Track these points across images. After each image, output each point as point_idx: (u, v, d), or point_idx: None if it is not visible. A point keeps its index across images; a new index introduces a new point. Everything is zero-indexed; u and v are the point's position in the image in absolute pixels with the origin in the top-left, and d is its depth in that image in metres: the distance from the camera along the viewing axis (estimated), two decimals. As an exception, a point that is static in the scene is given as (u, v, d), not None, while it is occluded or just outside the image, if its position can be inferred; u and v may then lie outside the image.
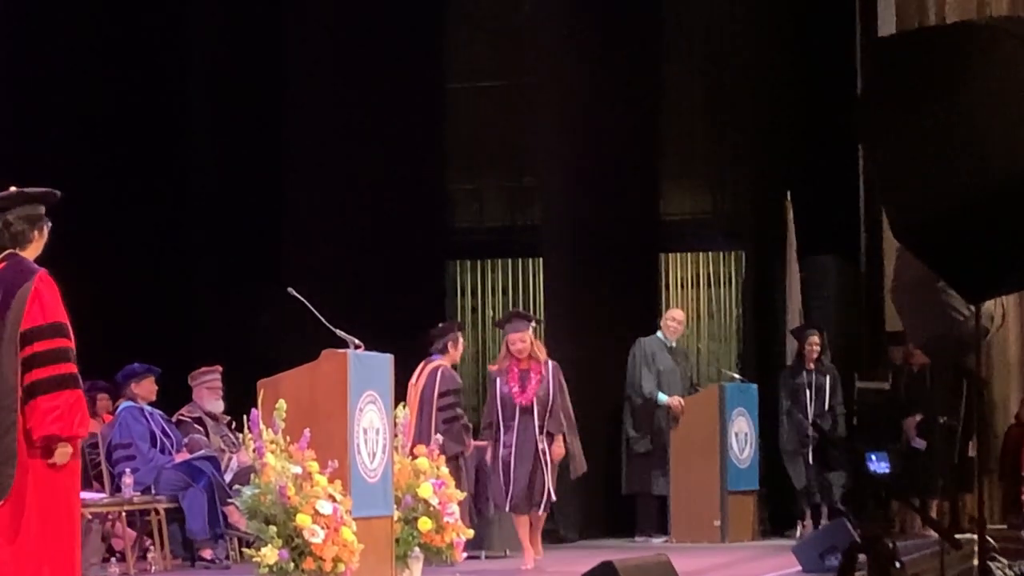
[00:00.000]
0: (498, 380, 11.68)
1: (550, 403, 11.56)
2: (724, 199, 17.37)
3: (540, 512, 11.73)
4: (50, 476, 6.56)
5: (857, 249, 16.24)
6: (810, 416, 14.25)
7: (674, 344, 14.47)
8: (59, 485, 6.60)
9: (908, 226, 5.42)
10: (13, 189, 6.87)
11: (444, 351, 12.11)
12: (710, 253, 17.73)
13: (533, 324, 11.96)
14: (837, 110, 14.33)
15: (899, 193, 5.41)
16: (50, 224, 6.91)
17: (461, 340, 12.39)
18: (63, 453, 6.55)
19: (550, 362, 11.73)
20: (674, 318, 14.62)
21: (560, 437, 11.64)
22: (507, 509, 11.71)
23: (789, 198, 15.43)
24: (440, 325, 12.48)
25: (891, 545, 5.65)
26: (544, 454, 11.50)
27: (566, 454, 11.81)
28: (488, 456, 11.77)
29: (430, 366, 11.95)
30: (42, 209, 6.89)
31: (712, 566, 11.27)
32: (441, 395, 11.79)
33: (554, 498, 11.73)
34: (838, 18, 16.16)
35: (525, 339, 11.59)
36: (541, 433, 11.52)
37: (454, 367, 12.27)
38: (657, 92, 16.38)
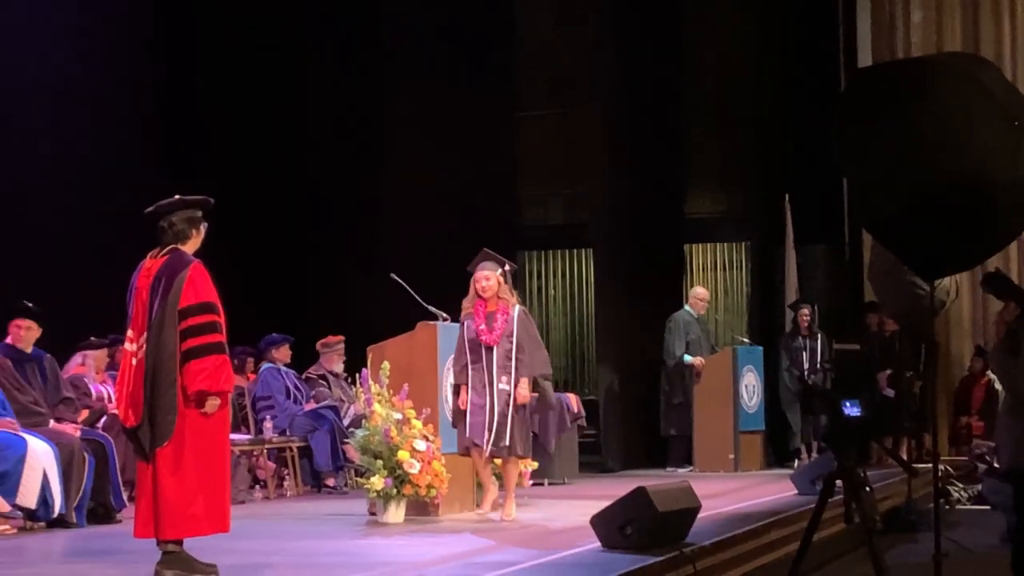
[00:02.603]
0: (466, 323, 9.25)
1: (514, 345, 9.15)
2: (735, 200, 17.28)
3: (502, 457, 9.21)
4: (203, 423, 6.56)
5: (842, 239, 16.12)
6: (805, 372, 14.22)
7: (700, 316, 14.43)
8: (211, 430, 6.59)
9: (874, 219, 5.38)
10: (176, 197, 6.89)
11: None
12: (724, 244, 17.64)
13: (505, 268, 9.37)
14: (825, 128, 14.21)
15: (868, 194, 5.38)
16: (206, 224, 6.93)
17: None
18: (212, 404, 6.56)
19: (518, 306, 9.31)
20: (700, 296, 14.57)
21: (526, 380, 9.14)
22: (461, 449, 9.25)
23: (787, 199, 15.32)
24: None
25: (862, 474, 5.62)
26: (509, 397, 9.09)
27: (541, 397, 9.64)
28: (460, 400, 9.22)
29: None
30: (200, 212, 6.89)
31: (727, 490, 11.21)
32: None
33: (509, 443, 9.09)
34: (826, 57, 16.04)
35: (491, 278, 9.23)
36: (502, 374, 9.11)
37: None
38: (680, 117, 16.37)
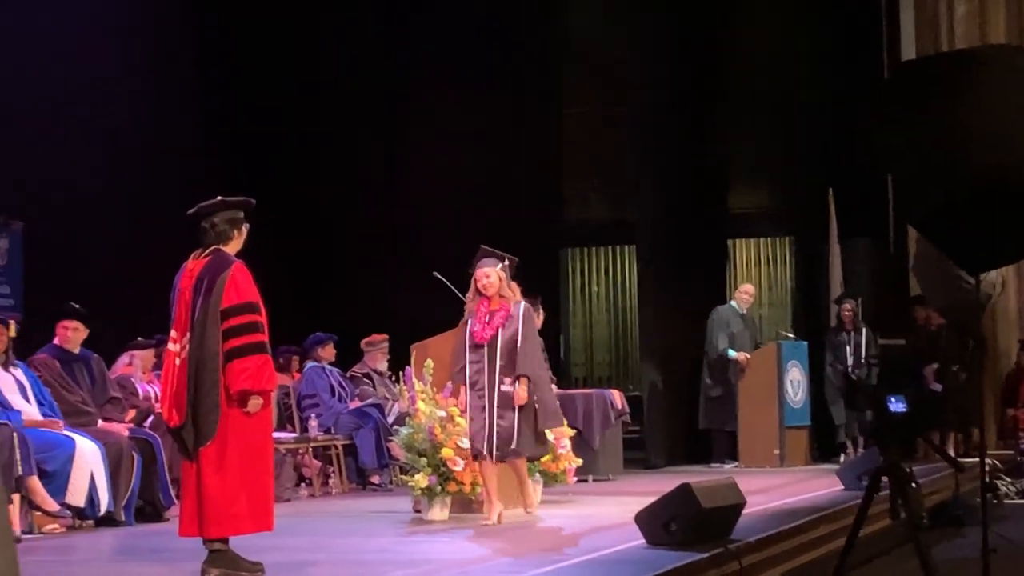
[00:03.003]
0: (468, 322, 8.86)
1: (517, 344, 8.72)
2: (779, 195, 17.18)
3: (509, 459, 8.82)
4: (246, 422, 6.56)
5: (886, 233, 15.96)
6: (849, 367, 14.11)
7: (745, 312, 14.35)
8: (254, 429, 6.60)
9: (918, 214, 5.32)
10: (218, 198, 6.91)
11: None
12: (768, 238, 17.56)
13: (504, 263, 8.92)
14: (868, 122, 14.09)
15: (910, 187, 5.32)
16: (248, 225, 6.94)
17: (542, 311, 12.06)
18: (255, 404, 6.56)
19: (522, 303, 8.90)
20: (747, 291, 14.51)
21: (524, 380, 8.68)
22: (472, 457, 8.85)
23: (831, 193, 15.21)
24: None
25: (908, 469, 5.56)
26: (507, 398, 8.67)
27: (532, 400, 8.79)
28: (460, 401, 8.88)
29: None
30: (241, 213, 6.90)
31: (772, 486, 11.13)
32: None
33: (516, 446, 8.70)
34: (869, 51, 15.90)
35: (491, 275, 8.80)
36: (505, 375, 8.69)
37: (538, 332, 11.90)
38: (724, 113, 16.25)
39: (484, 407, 8.67)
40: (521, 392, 8.69)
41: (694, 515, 7.25)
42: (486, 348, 8.67)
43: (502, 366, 8.68)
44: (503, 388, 8.67)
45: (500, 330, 8.69)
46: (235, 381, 6.48)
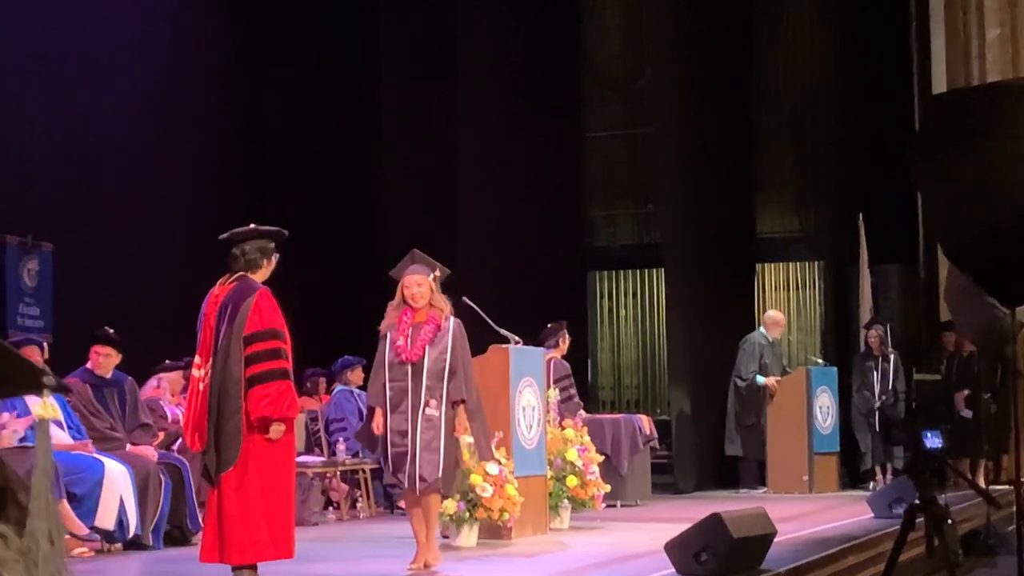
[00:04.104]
0: (388, 336, 7.62)
1: (446, 363, 7.52)
2: (808, 220, 17.12)
3: (425, 493, 7.55)
4: (268, 448, 6.56)
5: (916, 259, 15.89)
6: (876, 394, 14.02)
7: (774, 339, 14.27)
8: (276, 456, 6.60)
9: (955, 248, 5.27)
10: (252, 226, 6.93)
11: (555, 345, 11.64)
12: (797, 263, 17.49)
13: (436, 272, 7.75)
14: (899, 148, 14.05)
15: (947, 221, 5.26)
16: (278, 256, 6.95)
17: (568, 336, 11.88)
18: (276, 431, 6.56)
19: (452, 318, 7.67)
20: (776, 320, 14.39)
21: (463, 408, 7.57)
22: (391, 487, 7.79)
23: (861, 218, 15.14)
24: (549, 325, 11.84)
25: (944, 505, 5.50)
26: (438, 424, 7.49)
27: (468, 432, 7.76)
28: (375, 424, 7.60)
29: (545, 358, 10.52)
30: (272, 244, 6.92)
31: (802, 513, 11.05)
32: (556, 381, 11.13)
33: (443, 485, 7.56)
34: (900, 75, 15.85)
35: (423, 284, 7.61)
36: (431, 397, 7.49)
37: (563, 358, 11.82)
38: (752, 136, 16.23)
39: (407, 432, 7.48)
40: (461, 422, 7.59)
41: (725, 545, 7.19)
42: (410, 367, 7.52)
43: (429, 387, 7.51)
44: (428, 411, 7.50)
45: (428, 347, 7.54)
46: (255, 408, 6.48)
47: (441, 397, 7.51)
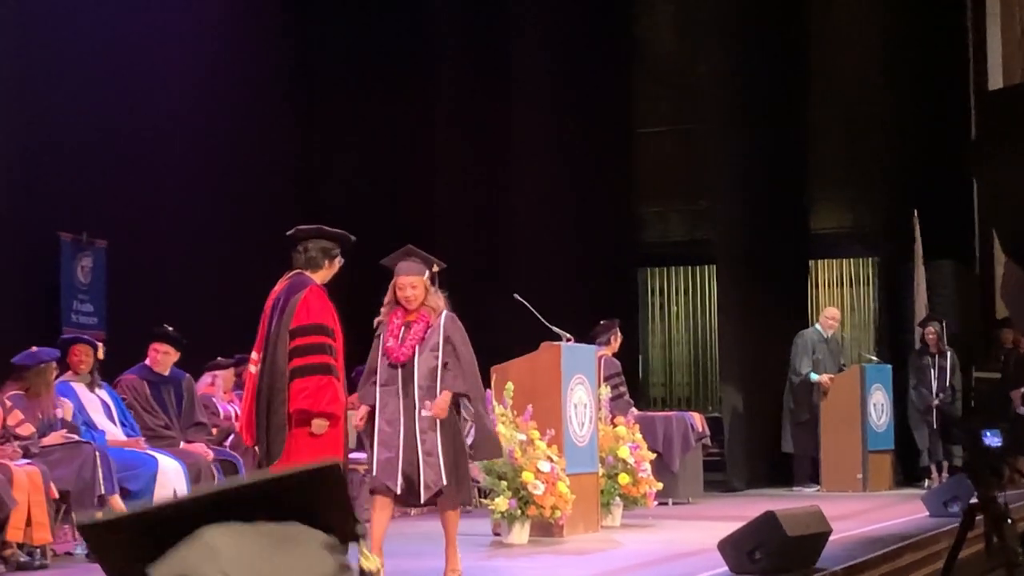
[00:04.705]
0: (382, 336, 7.19)
1: (438, 361, 7.09)
2: (862, 216, 16.96)
3: (442, 509, 7.23)
4: (312, 443, 6.54)
5: (972, 255, 15.74)
6: (933, 391, 13.91)
7: (829, 335, 14.17)
8: (321, 451, 6.53)
9: (1015, 245, 5.19)
10: (318, 226, 6.98)
11: (607, 343, 11.62)
12: (851, 260, 17.35)
13: (432, 269, 7.32)
14: (954, 143, 13.93)
15: (1006, 218, 5.19)
16: (342, 260, 6.95)
17: (619, 334, 11.87)
18: (319, 425, 6.55)
19: (445, 313, 7.22)
20: (832, 316, 14.28)
21: (447, 393, 7.05)
22: (370, 491, 7.21)
23: (916, 214, 15.01)
24: (602, 323, 11.82)
25: (1004, 504, 5.44)
26: (436, 426, 7.07)
27: (470, 425, 7.37)
28: (359, 420, 7.19)
29: (596, 355, 10.60)
30: (337, 248, 6.93)
31: (856, 511, 10.97)
32: (607, 378, 11.09)
33: (455, 494, 7.17)
34: (954, 69, 15.71)
35: (417, 286, 7.16)
36: (427, 398, 7.07)
37: (614, 355, 11.77)
38: (806, 131, 16.12)
39: (397, 435, 7.04)
40: (439, 404, 7.03)
41: (779, 543, 7.15)
42: (400, 369, 7.10)
43: (422, 387, 7.08)
44: (424, 414, 7.06)
45: (418, 347, 7.11)
46: (294, 400, 6.51)
47: (428, 397, 7.09)
